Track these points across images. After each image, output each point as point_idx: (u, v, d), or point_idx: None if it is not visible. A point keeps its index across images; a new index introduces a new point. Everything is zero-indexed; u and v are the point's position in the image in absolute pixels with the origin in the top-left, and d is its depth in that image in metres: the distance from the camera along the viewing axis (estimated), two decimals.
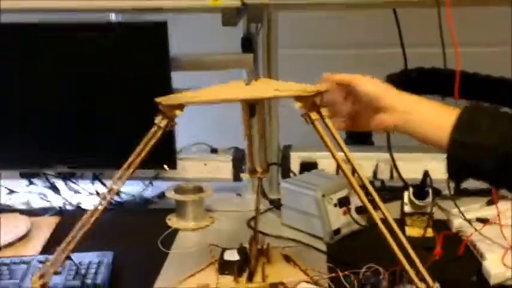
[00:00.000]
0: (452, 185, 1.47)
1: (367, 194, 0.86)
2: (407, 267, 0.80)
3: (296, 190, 1.34)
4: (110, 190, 0.91)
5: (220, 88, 0.94)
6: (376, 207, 0.86)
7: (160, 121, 0.88)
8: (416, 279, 0.79)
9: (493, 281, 1.08)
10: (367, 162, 1.50)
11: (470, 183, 1.49)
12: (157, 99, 0.87)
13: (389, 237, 0.82)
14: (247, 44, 1.43)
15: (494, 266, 1.10)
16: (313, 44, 1.86)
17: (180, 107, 0.87)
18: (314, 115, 0.86)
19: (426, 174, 1.30)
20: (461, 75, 1.41)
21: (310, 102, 0.86)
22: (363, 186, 0.88)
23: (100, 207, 0.91)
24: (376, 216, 0.84)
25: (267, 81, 1.04)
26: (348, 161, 0.87)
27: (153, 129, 0.88)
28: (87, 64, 1.37)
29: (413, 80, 1.53)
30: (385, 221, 0.85)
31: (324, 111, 0.87)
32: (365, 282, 1.06)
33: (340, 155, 0.87)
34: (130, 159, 0.91)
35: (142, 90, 1.35)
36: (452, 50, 1.22)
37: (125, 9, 1.36)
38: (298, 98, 0.85)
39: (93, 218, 0.90)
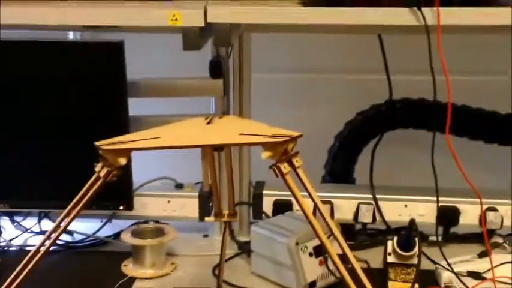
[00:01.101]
0: (440, 230, 1.35)
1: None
2: None
3: (267, 235, 1.20)
4: (55, 229, 0.77)
5: (177, 129, 0.81)
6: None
7: (100, 169, 0.73)
8: None
9: None
10: (347, 203, 1.36)
11: (460, 228, 1.39)
12: (97, 143, 0.73)
13: None
14: (216, 69, 1.29)
15: None
16: (292, 69, 1.74)
17: (125, 153, 0.73)
18: (284, 167, 0.73)
19: (412, 222, 1.17)
20: (452, 109, 1.29)
21: (281, 150, 0.73)
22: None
23: (42, 249, 0.77)
24: (346, 273, 0.72)
25: (233, 120, 0.91)
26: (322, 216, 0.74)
27: (92, 179, 0.74)
28: (34, 88, 1.23)
29: (399, 112, 1.41)
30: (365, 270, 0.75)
31: (297, 162, 0.74)
32: None
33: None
34: (69, 207, 0.77)
35: (96, 118, 1.21)
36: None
37: (74, 27, 1.22)
38: (266, 146, 0.72)
39: (33, 262, 0.77)
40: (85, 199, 0.75)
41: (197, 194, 1.39)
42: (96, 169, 0.74)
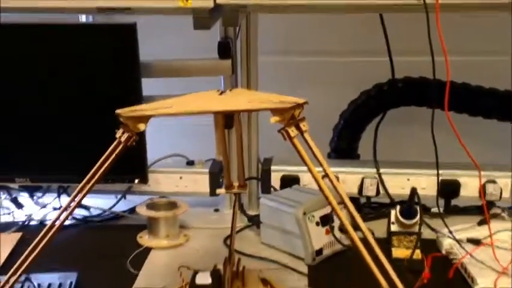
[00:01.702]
0: (441, 202, 1.41)
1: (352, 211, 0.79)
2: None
3: (276, 207, 1.26)
4: (70, 203, 0.82)
5: (191, 98, 0.86)
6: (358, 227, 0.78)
7: (121, 134, 0.79)
8: None
9: None
10: (352, 178, 1.42)
11: (460, 201, 1.44)
12: (118, 111, 0.78)
13: (371, 261, 0.75)
14: (225, 50, 1.34)
15: None
16: (296, 51, 1.79)
17: (144, 119, 0.78)
18: (292, 131, 0.78)
19: (414, 191, 1.22)
20: (451, 87, 1.34)
21: (288, 115, 0.78)
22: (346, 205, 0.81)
23: (57, 223, 0.82)
24: (357, 238, 0.77)
25: (243, 91, 0.97)
26: (329, 179, 0.79)
27: (113, 144, 0.80)
28: (52, 69, 1.28)
29: (400, 90, 1.46)
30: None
31: (304, 126, 0.79)
32: None
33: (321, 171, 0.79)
34: (89, 176, 0.82)
35: (110, 97, 1.27)
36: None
37: (88, 10, 1.27)
38: (274, 111, 0.77)
39: (50, 234, 0.81)
40: (106, 164, 0.80)
41: (208, 170, 1.45)
42: (117, 135, 0.79)
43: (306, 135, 0.80)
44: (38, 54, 1.28)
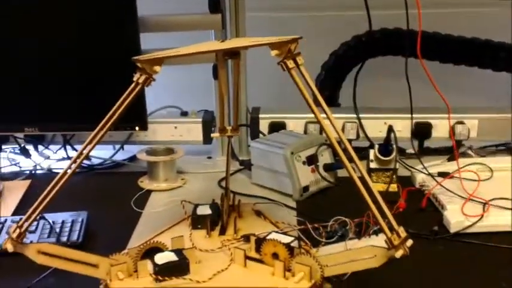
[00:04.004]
0: (416, 143, 1.54)
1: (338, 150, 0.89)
2: (377, 214, 0.84)
3: (265, 149, 1.38)
4: (86, 146, 0.91)
5: (195, 46, 0.96)
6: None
7: (139, 77, 0.88)
8: (384, 226, 0.82)
9: (452, 229, 1.14)
10: (335, 123, 1.53)
11: (432, 143, 1.58)
12: (135, 58, 0.88)
13: (362, 187, 0.85)
14: (214, 4, 1.44)
15: (454, 215, 1.16)
16: (281, 7, 1.86)
17: (159, 62, 0.87)
18: (290, 63, 0.86)
19: (390, 128, 1.35)
20: (423, 36, 1.46)
21: (286, 49, 0.86)
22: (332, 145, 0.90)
23: (74, 166, 0.91)
24: (349, 166, 0.87)
25: (242, 38, 1.06)
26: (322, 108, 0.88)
27: (131, 86, 0.89)
28: (53, 24, 1.36)
29: (377, 41, 1.57)
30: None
31: (300, 60, 0.88)
32: (333, 233, 1.10)
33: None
34: (108, 116, 0.90)
35: (111, 51, 1.36)
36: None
37: None
38: (274, 46, 0.86)
39: (64, 179, 0.90)
40: (125, 104, 0.89)
41: (201, 119, 1.56)
42: (135, 78, 0.89)
43: (302, 68, 0.87)
44: (43, 11, 1.35)
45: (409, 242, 0.83)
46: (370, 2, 1.52)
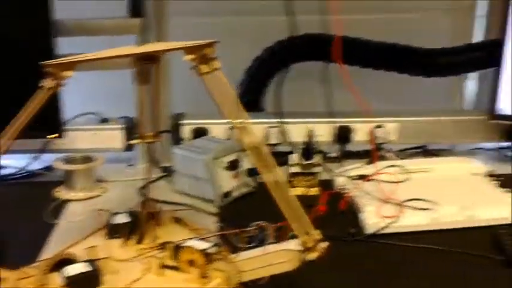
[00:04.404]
0: (337, 147, 1.56)
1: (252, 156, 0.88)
2: (288, 217, 0.83)
3: (187, 155, 1.36)
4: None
5: (110, 51, 0.93)
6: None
7: (47, 83, 0.84)
8: (297, 229, 0.82)
9: (368, 230, 1.16)
10: (257, 128, 1.54)
11: (354, 146, 1.60)
12: (44, 62, 0.84)
13: (277, 194, 0.84)
14: (135, 7, 1.41)
15: (370, 217, 1.18)
16: (208, 11, 1.84)
17: (70, 67, 0.84)
18: (203, 68, 0.85)
19: (310, 133, 1.36)
20: (344, 41, 1.49)
21: (201, 54, 0.85)
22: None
23: None
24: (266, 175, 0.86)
25: (161, 43, 1.04)
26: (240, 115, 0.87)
27: (36, 92, 0.84)
28: None
29: (300, 46, 1.59)
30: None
31: (216, 64, 0.86)
32: (253, 238, 1.09)
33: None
34: (11, 125, 0.86)
35: (24, 56, 1.30)
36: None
37: None
38: (188, 50, 0.84)
39: None
40: (29, 110, 0.85)
41: (121, 126, 1.52)
42: (42, 84, 0.84)
43: (218, 72, 0.86)
44: None
45: (324, 244, 0.83)
46: (295, 7, 1.54)
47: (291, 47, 1.57)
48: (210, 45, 0.84)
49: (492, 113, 1.46)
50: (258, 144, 0.87)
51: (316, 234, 0.82)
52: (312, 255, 0.81)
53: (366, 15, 1.69)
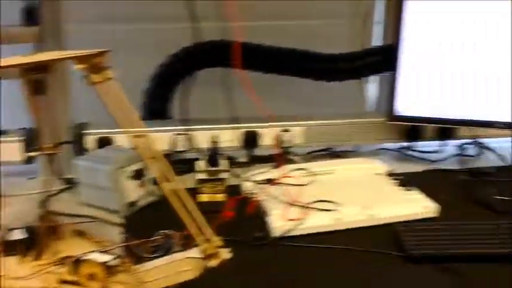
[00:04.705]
0: (245, 152, 1.57)
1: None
2: (188, 224, 0.83)
3: (90, 166, 1.32)
4: None
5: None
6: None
7: None
8: (197, 236, 0.82)
9: (274, 233, 1.17)
10: (164, 135, 1.53)
11: (262, 151, 1.62)
12: None
13: (178, 204, 0.84)
14: (29, 16, 1.35)
15: (276, 220, 1.19)
16: (110, 18, 1.79)
17: None
18: (96, 77, 0.83)
19: (214, 140, 1.36)
20: (247, 48, 1.50)
21: (92, 63, 0.83)
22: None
23: None
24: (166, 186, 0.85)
25: (50, 52, 1.00)
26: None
27: None
28: None
29: (205, 53, 1.58)
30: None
31: (108, 73, 0.84)
32: (158, 247, 1.08)
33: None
34: None
35: None
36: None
37: None
38: (78, 59, 0.82)
39: None
40: None
41: (20, 138, 1.45)
42: None
43: (111, 82, 0.85)
44: None
45: (225, 250, 0.83)
46: (199, 14, 1.54)
47: (195, 53, 1.57)
48: (101, 54, 0.82)
49: (391, 115, 1.52)
50: (155, 154, 0.86)
51: (217, 240, 0.82)
52: (213, 262, 0.81)
53: (267, 21, 1.71)
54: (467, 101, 1.46)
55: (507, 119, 1.45)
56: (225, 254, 0.83)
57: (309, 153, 1.65)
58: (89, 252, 0.96)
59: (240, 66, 1.33)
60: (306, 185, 1.36)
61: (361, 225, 1.22)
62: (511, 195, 1.35)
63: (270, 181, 1.36)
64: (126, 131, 0.82)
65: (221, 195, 1.33)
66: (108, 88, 0.82)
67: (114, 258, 0.93)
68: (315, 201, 1.26)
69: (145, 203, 1.33)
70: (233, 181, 1.44)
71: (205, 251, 0.81)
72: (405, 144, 1.69)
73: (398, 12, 1.45)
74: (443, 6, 1.42)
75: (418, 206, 1.27)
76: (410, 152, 1.69)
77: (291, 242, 1.16)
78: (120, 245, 1.07)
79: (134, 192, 1.30)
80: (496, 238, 1.14)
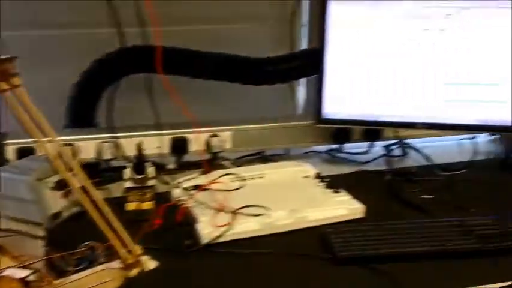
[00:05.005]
0: (174, 158, 1.55)
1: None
2: (108, 235, 0.81)
3: (8, 177, 1.25)
4: None
5: None
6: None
7: None
8: (116, 246, 0.80)
9: (203, 240, 1.16)
10: (90, 144, 1.48)
11: (192, 157, 1.60)
12: None
13: (98, 215, 0.81)
14: None
15: (205, 227, 1.18)
16: (38, 24, 1.72)
17: None
18: (2, 85, 0.79)
19: (139, 147, 1.34)
20: (172, 52, 1.48)
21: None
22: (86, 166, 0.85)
23: None
24: (84, 198, 0.83)
25: None
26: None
27: None
28: None
29: (129, 58, 1.55)
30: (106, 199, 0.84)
31: (16, 81, 0.81)
32: (82, 259, 1.04)
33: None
34: None
35: None
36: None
37: None
38: None
39: None
40: None
41: None
42: None
43: (19, 90, 0.82)
44: None
45: (148, 259, 0.82)
46: (121, 19, 1.50)
47: (120, 59, 1.54)
48: (9, 60, 0.78)
49: (319, 118, 1.53)
50: (69, 164, 0.83)
51: (138, 250, 0.80)
52: (134, 272, 0.79)
53: (193, 26, 1.69)
54: (391, 102, 1.50)
55: (430, 120, 1.49)
56: (149, 263, 0.81)
57: (239, 158, 1.65)
58: (6, 268, 0.92)
59: (163, 71, 1.31)
60: (235, 190, 1.35)
61: (290, 228, 1.23)
62: (434, 193, 1.40)
63: (198, 187, 1.35)
64: (36, 140, 0.79)
65: (149, 203, 1.31)
66: (16, 96, 0.79)
67: (33, 273, 0.89)
68: (244, 206, 1.25)
69: (69, 214, 1.27)
70: (162, 188, 1.42)
71: (125, 261, 0.79)
72: (334, 146, 1.72)
73: (322, 14, 1.46)
74: (366, 9, 1.45)
75: (345, 207, 1.29)
76: (339, 154, 1.72)
77: (221, 249, 1.15)
78: (41, 259, 1.03)
79: (57, 203, 1.25)
80: (421, 236, 1.17)
